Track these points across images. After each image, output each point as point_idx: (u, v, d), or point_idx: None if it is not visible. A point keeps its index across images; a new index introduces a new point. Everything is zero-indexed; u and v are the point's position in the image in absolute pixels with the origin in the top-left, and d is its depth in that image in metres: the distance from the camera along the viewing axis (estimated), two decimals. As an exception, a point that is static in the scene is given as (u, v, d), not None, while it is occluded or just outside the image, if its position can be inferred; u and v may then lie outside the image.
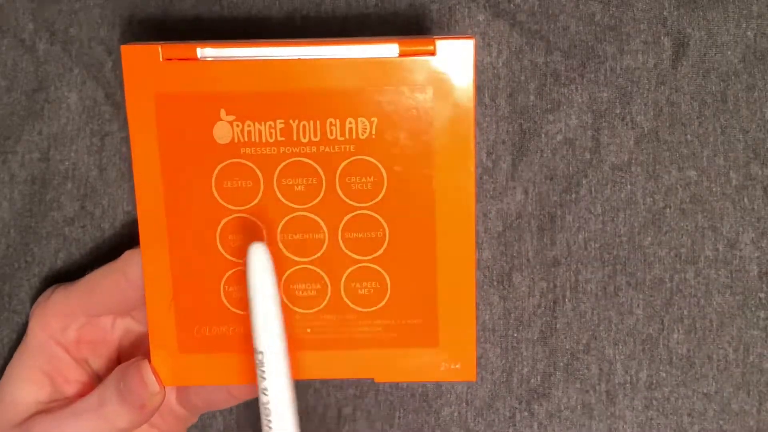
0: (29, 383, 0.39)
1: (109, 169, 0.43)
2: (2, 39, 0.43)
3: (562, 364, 0.44)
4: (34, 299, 0.43)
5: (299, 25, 0.42)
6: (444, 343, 0.37)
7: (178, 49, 0.35)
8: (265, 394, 0.35)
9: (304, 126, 0.36)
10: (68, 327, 0.39)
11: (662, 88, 0.43)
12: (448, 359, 0.38)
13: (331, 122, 0.36)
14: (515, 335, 0.44)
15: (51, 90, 0.43)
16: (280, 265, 0.37)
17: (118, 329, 0.41)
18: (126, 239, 0.43)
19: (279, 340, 0.35)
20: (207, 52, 0.35)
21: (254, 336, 0.35)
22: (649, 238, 0.43)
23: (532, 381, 0.44)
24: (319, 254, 0.37)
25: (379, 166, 0.36)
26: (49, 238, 0.43)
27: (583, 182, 0.43)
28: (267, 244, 0.36)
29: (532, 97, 0.43)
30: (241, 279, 0.37)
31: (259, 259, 0.34)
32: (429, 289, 0.37)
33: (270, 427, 0.35)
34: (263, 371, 0.35)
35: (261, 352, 0.35)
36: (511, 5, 0.42)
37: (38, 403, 0.39)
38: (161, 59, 0.35)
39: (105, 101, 0.43)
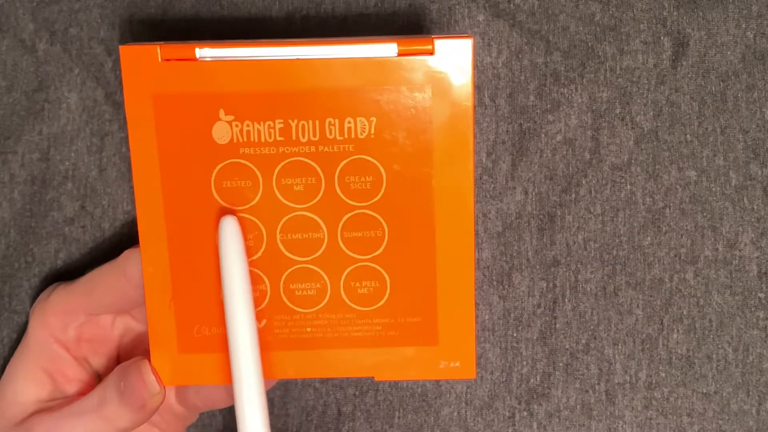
0: (30, 382, 0.39)
1: (109, 169, 0.43)
2: (2, 39, 0.43)
3: (561, 363, 0.44)
4: (34, 299, 0.43)
5: (299, 25, 0.42)
6: (443, 342, 0.37)
7: (176, 49, 0.35)
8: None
9: (303, 126, 0.36)
10: (68, 325, 0.39)
11: (662, 88, 0.43)
12: (447, 357, 0.38)
13: (330, 122, 0.36)
14: (515, 335, 0.44)
15: (51, 90, 0.43)
16: (279, 264, 0.37)
17: (118, 328, 0.41)
18: (126, 239, 0.43)
19: (244, 306, 0.35)
20: (205, 52, 0.35)
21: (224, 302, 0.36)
22: (649, 238, 0.43)
23: (532, 381, 0.44)
24: (318, 253, 0.37)
25: (378, 165, 0.36)
26: (49, 238, 0.43)
27: (583, 182, 0.43)
28: (267, 244, 0.37)
29: (532, 97, 0.43)
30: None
31: (231, 231, 0.35)
32: (428, 287, 0.37)
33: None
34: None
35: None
36: (511, 5, 0.42)
37: (38, 401, 0.39)
38: (160, 60, 0.35)
39: (105, 101, 0.43)
